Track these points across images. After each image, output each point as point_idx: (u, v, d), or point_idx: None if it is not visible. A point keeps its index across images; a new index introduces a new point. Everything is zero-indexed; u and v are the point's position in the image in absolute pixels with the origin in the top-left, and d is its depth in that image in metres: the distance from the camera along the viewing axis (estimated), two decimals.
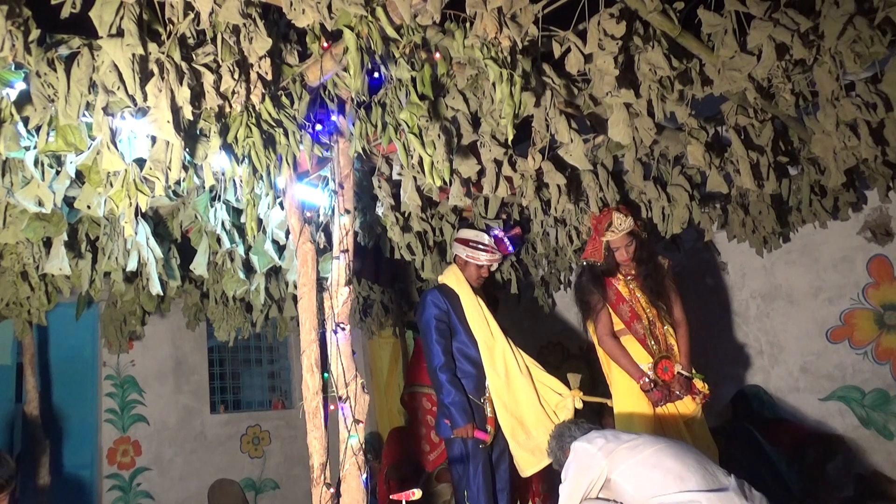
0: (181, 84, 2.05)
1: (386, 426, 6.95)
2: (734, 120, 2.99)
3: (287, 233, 3.16)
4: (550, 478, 4.06)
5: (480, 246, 3.78)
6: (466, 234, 3.85)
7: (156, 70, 2.01)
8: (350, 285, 2.79)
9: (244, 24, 2.11)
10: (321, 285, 2.87)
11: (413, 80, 2.49)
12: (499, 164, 3.00)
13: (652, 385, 3.44)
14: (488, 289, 4.14)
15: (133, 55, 1.94)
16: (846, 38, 2.25)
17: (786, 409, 4.70)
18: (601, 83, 2.45)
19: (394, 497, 2.84)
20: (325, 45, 2.42)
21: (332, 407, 2.73)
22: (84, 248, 3.53)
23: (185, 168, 2.35)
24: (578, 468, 2.38)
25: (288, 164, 2.69)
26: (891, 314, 4.36)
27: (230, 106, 2.30)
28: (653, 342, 3.56)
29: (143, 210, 2.42)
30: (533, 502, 4.17)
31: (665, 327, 3.61)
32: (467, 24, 2.23)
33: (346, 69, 2.33)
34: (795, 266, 4.78)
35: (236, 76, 2.20)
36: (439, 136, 2.63)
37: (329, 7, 2.05)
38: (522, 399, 3.60)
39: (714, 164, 3.06)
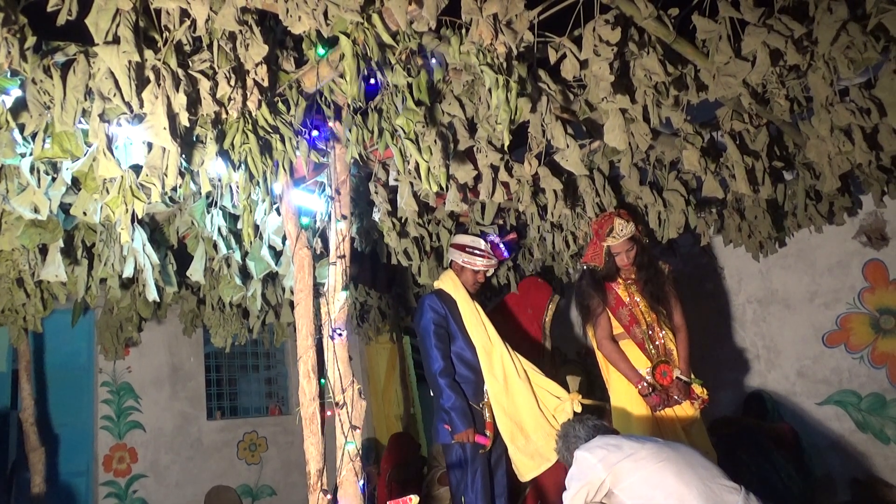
0: (177, 91, 2.05)
1: (383, 432, 6.93)
2: (729, 125, 3.00)
3: (284, 238, 3.16)
4: (543, 489, 4.06)
5: (477, 251, 3.78)
6: (462, 239, 3.85)
7: (152, 77, 2.01)
8: (347, 291, 2.79)
9: (240, 31, 2.11)
10: (318, 291, 2.87)
11: (409, 86, 2.49)
12: (495, 169, 3.01)
13: (650, 389, 3.44)
14: (482, 293, 4.13)
15: (129, 62, 1.94)
16: (840, 44, 2.26)
17: (783, 413, 4.71)
18: (597, 89, 2.46)
19: (391, 503, 2.84)
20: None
21: (328, 413, 2.73)
22: (80, 254, 3.53)
23: (181, 174, 2.35)
24: (580, 479, 2.38)
25: (284, 169, 2.70)
26: (887, 318, 4.37)
27: (227, 112, 2.30)
28: (651, 347, 3.56)
29: (140, 216, 2.42)
30: None
31: (664, 332, 3.61)
32: (463, 31, 2.24)
33: (342, 75, 2.34)
34: (791, 271, 4.79)
35: (233, 83, 2.20)
36: (436, 141, 2.64)
37: (325, 14, 2.05)
38: (521, 403, 3.59)
39: (710, 169, 3.07)
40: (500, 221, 4.08)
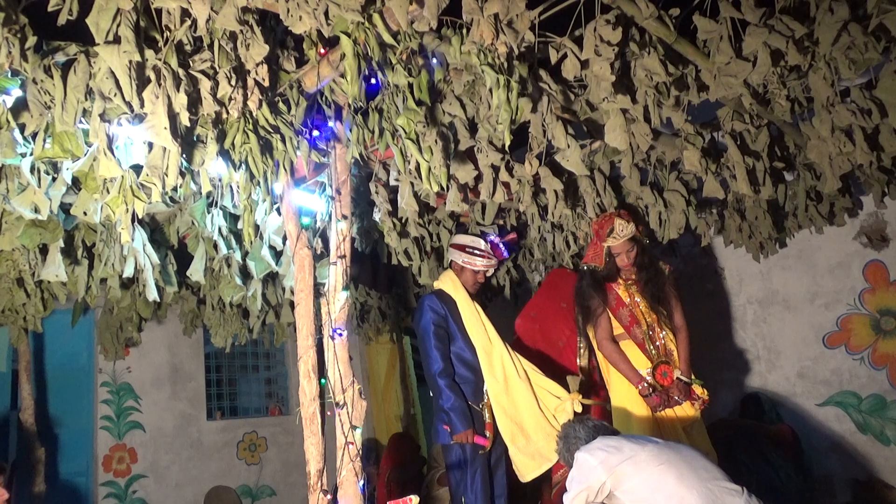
0: (178, 90, 2.05)
1: (383, 432, 6.93)
2: (730, 125, 3.00)
3: (284, 238, 3.16)
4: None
5: (476, 251, 3.78)
6: (462, 239, 3.84)
7: (153, 77, 2.01)
8: (347, 291, 2.79)
9: (241, 31, 2.11)
10: (318, 291, 2.86)
11: (410, 85, 2.49)
12: (496, 169, 3.01)
13: (650, 390, 3.44)
14: (482, 294, 4.11)
15: (130, 62, 1.94)
16: (841, 45, 2.26)
17: (783, 414, 4.70)
18: (598, 89, 2.46)
19: (391, 503, 2.84)
20: (322, 51, 2.42)
21: (328, 413, 2.73)
22: (80, 254, 3.53)
23: (181, 174, 2.35)
24: (580, 481, 2.38)
25: (285, 169, 2.70)
26: (887, 319, 4.37)
27: (227, 112, 2.30)
28: (652, 347, 3.56)
29: (140, 216, 2.42)
30: None
31: (664, 332, 3.61)
32: (464, 31, 2.24)
33: (343, 75, 2.34)
34: (792, 271, 4.79)
35: (233, 82, 2.20)
36: (436, 141, 2.64)
37: (326, 13, 2.05)
38: (521, 404, 3.59)
39: (710, 169, 3.07)
40: (501, 221, 4.07)
